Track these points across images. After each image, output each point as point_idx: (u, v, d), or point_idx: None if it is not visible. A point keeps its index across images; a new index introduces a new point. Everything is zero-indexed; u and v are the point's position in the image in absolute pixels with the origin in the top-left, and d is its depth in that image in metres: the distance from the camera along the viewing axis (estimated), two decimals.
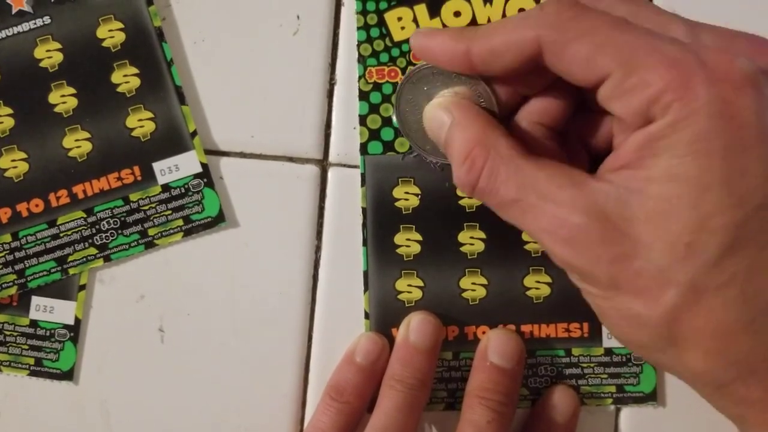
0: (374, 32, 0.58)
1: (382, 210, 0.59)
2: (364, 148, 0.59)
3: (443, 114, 0.51)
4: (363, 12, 0.58)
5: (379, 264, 0.59)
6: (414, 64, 0.58)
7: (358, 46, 0.59)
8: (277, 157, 0.59)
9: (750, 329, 0.42)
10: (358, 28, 0.59)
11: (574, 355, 0.59)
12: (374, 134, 0.59)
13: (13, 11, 0.57)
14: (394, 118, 0.57)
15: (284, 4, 0.59)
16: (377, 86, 0.58)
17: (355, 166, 0.59)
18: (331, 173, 0.59)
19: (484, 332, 0.59)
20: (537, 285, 0.59)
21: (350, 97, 0.59)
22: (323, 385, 0.58)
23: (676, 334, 0.43)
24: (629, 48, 0.43)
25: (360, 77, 0.59)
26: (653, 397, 0.59)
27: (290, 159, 0.59)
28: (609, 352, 0.59)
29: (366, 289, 0.59)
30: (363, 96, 0.59)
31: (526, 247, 0.59)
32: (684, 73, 0.41)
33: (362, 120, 0.59)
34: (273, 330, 0.59)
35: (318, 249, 0.59)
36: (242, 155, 0.59)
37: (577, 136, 0.53)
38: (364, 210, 0.59)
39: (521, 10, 0.58)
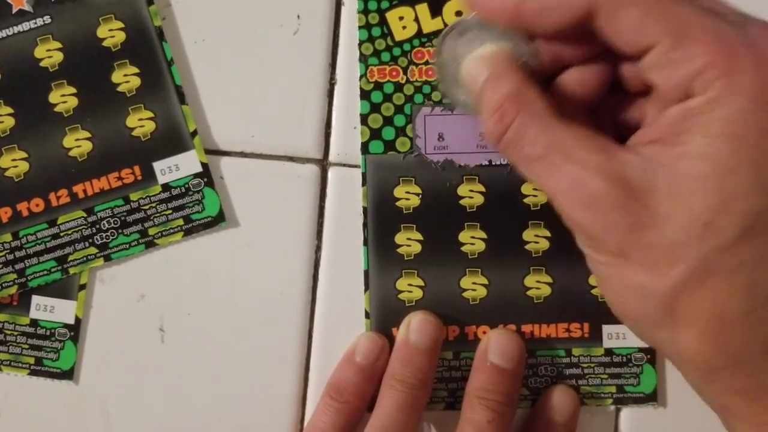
0: (376, 31, 0.58)
1: (383, 209, 0.59)
2: (365, 148, 0.59)
3: (481, 67, 0.50)
4: (364, 11, 0.59)
5: (379, 263, 0.59)
6: (416, 64, 0.58)
7: (360, 45, 0.59)
8: (277, 157, 0.59)
9: (749, 319, 0.42)
10: (360, 27, 0.59)
11: (574, 356, 0.59)
12: (375, 133, 0.59)
13: (14, 11, 0.57)
14: (435, 71, 0.57)
15: (284, 3, 0.59)
16: (378, 85, 0.59)
17: (356, 166, 0.59)
18: (332, 173, 0.59)
19: (484, 332, 0.59)
20: (537, 285, 0.59)
21: (350, 96, 0.59)
22: (323, 385, 0.58)
23: (675, 311, 0.43)
24: (680, 20, 0.43)
25: (361, 76, 0.59)
26: (653, 397, 0.59)
27: (290, 158, 0.59)
28: (609, 352, 0.59)
29: (366, 288, 0.59)
30: (364, 95, 0.59)
31: (527, 247, 0.59)
32: (732, 53, 0.41)
33: (363, 119, 0.59)
34: (273, 330, 0.59)
35: (318, 249, 0.59)
36: (242, 155, 0.59)
37: (608, 114, 0.52)
38: (364, 209, 0.59)
39: None
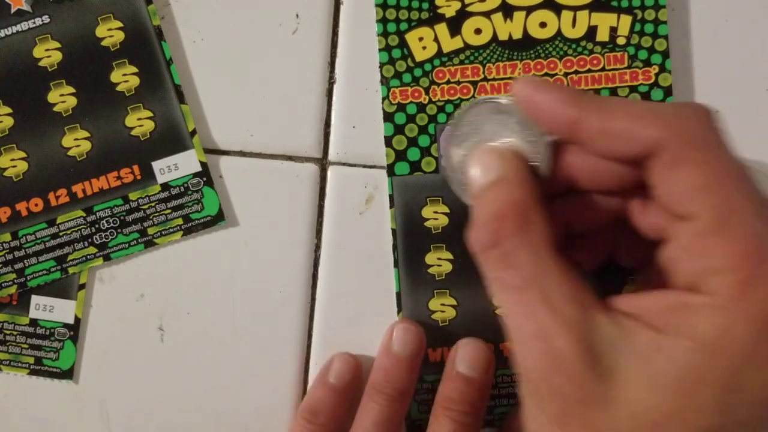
0: (396, 53, 0.58)
1: (412, 230, 0.59)
2: (390, 170, 0.58)
3: (493, 162, 0.45)
4: (384, 33, 0.58)
5: (411, 285, 0.59)
6: (437, 84, 0.58)
7: (381, 67, 0.58)
8: (276, 156, 0.59)
9: None
10: (380, 50, 0.58)
11: None
12: (400, 155, 0.58)
13: (12, 10, 0.57)
14: (439, 147, 0.57)
15: (283, 3, 0.59)
16: (401, 107, 0.58)
17: (355, 165, 0.59)
18: (331, 172, 0.59)
19: None
20: None
21: (349, 95, 0.59)
22: None
23: None
24: (728, 204, 0.40)
25: (384, 98, 0.58)
26: None
27: (290, 158, 0.59)
28: None
29: (399, 310, 0.59)
30: (387, 117, 0.58)
31: None
32: (758, 263, 0.39)
33: (388, 141, 0.58)
34: (273, 329, 0.59)
35: (317, 248, 0.59)
36: (242, 154, 0.59)
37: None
38: (393, 231, 0.59)
39: (542, 24, 0.58)
